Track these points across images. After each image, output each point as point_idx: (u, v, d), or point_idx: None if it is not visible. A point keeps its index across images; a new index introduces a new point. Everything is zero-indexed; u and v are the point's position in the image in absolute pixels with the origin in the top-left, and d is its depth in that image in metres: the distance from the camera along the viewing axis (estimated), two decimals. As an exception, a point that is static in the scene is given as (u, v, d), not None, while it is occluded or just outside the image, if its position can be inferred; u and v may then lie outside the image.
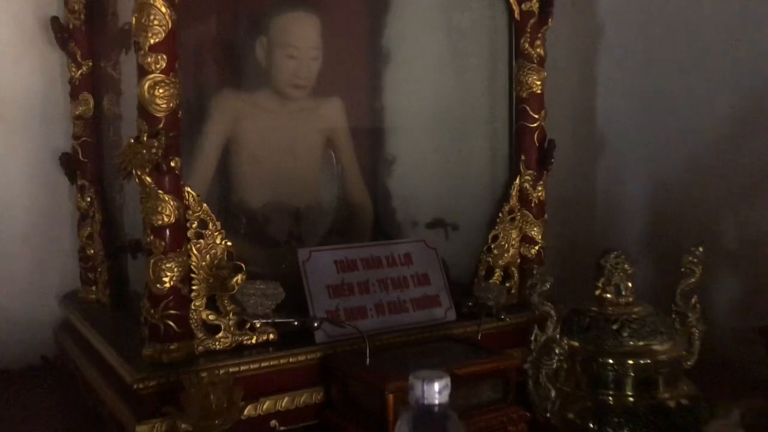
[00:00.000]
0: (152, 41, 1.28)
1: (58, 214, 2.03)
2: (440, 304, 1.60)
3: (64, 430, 1.59)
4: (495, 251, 1.74)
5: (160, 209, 1.30)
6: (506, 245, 1.75)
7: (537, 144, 1.74)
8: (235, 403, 1.15)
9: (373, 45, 2.06)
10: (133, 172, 1.27)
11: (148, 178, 1.28)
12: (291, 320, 1.32)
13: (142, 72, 1.29)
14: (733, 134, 1.87)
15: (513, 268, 1.76)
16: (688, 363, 1.28)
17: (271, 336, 1.43)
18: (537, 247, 1.77)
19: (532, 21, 1.72)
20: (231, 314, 1.39)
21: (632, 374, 1.21)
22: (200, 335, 1.38)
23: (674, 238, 1.97)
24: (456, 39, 1.96)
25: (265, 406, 1.35)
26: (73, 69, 1.87)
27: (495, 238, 1.74)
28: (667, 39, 2.01)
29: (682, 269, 1.27)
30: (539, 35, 1.72)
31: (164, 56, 1.29)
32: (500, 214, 1.75)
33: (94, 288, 1.89)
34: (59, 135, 1.99)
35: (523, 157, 1.75)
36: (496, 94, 1.84)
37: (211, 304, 1.39)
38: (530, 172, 1.75)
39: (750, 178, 1.83)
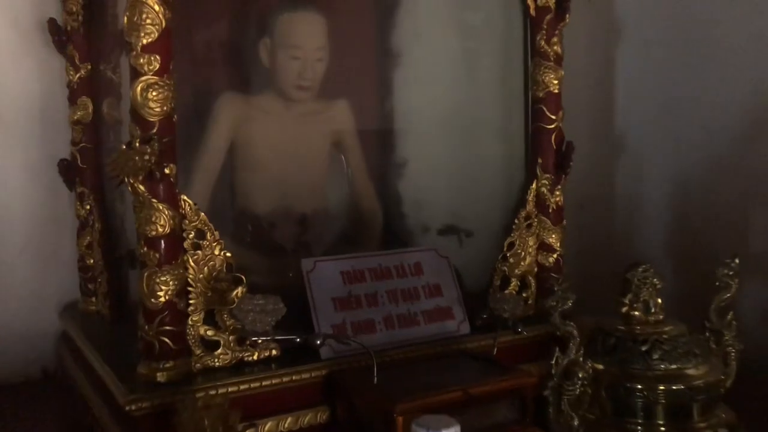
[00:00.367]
0: (145, 41, 1.22)
1: (59, 222, 1.97)
2: (453, 317, 1.52)
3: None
4: (511, 259, 1.66)
5: (154, 219, 1.23)
6: (523, 253, 1.68)
7: (554, 146, 1.68)
8: (232, 427, 1.07)
9: (381, 44, 2.00)
10: (126, 179, 1.20)
11: (141, 186, 1.21)
12: (293, 337, 1.25)
13: (135, 74, 1.23)
14: (755, 134, 1.80)
15: (530, 278, 1.69)
16: (725, 386, 1.19)
17: (274, 352, 1.36)
18: (555, 255, 1.70)
19: (548, 17, 1.65)
20: (231, 329, 1.31)
21: (664, 401, 1.11)
22: (198, 352, 1.31)
23: (699, 241, 1.91)
24: (468, 37, 1.91)
25: (267, 428, 1.28)
26: (72, 72, 1.82)
27: (511, 245, 1.67)
28: (686, 36, 1.97)
29: (717, 283, 1.18)
30: (556, 32, 1.66)
31: (158, 57, 1.22)
32: (516, 221, 1.68)
33: (94, 299, 1.84)
34: (60, 140, 1.93)
35: (539, 161, 1.69)
36: (511, 94, 1.78)
37: (210, 319, 1.33)
38: (547, 175, 1.69)
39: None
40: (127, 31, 1.22)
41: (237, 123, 1.73)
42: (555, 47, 1.65)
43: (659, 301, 1.15)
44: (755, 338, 1.70)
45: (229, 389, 1.26)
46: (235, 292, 1.30)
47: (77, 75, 1.81)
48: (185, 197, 1.30)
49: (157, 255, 1.24)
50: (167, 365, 1.25)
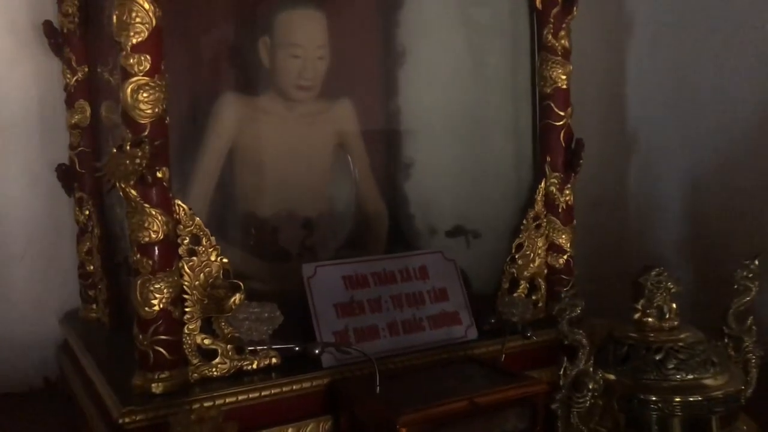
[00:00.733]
0: (134, 41, 1.18)
1: (59, 228, 1.94)
2: (460, 322, 1.48)
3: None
4: (519, 261, 1.61)
5: (146, 225, 1.19)
6: (532, 254, 1.63)
7: (563, 144, 1.63)
8: (227, 441, 1.03)
9: (386, 42, 1.96)
10: (117, 184, 1.16)
11: (133, 191, 1.18)
12: (291, 346, 1.20)
13: (125, 75, 1.19)
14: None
15: (539, 280, 1.64)
16: (745, 396, 1.12)
17: (274, 360, 1.32)
18: (566, 256, 1.65)
19: (555, 10, 1.61)
20: (229, 338, 1.27)
21: (680, 414, 1.05)
22: (195, 361, 1.27)
23: (716, 241, 1.85)
24: (474, 33, 1.87)
25: (267, 439, 1.24)
26: (68, 75, 1.79)
27: (519, 247, 1.62)
28: (699, 28, 1.91)
29: (735, 286, 1.11)
30: (563, 26, 1.61)
31: (148, 57, 1.18)
32: (525, 221, 1.63)
33: (94, 306, 1.80)
34: (59, 145, 1.90)
35: (548, 159, 1.64)
36: (518, 91, 1.73)
37: (207, 327, 1.28)
38: (556, 174, 1.64)
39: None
40: (117, 31, 1.18)
41: (237, 124, 1.69)
42: (563, 41, 1.60)
43: (674, 306, 1.08)
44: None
45: (227, 400, 1.22)
46: (232, 299, 1.26)
47: (74, 78, 1.78)
48: (179, 201, 1.26)
49: (151, 262, 1.20)
50: (162, 376, 1.21)
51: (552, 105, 1.61)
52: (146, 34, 1.18)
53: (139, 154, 1.15)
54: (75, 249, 1.87)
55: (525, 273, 1.62)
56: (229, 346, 1.28)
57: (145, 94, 1.18)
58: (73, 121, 1.79)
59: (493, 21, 1.82)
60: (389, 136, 1.97)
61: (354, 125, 1.83)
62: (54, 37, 1.79)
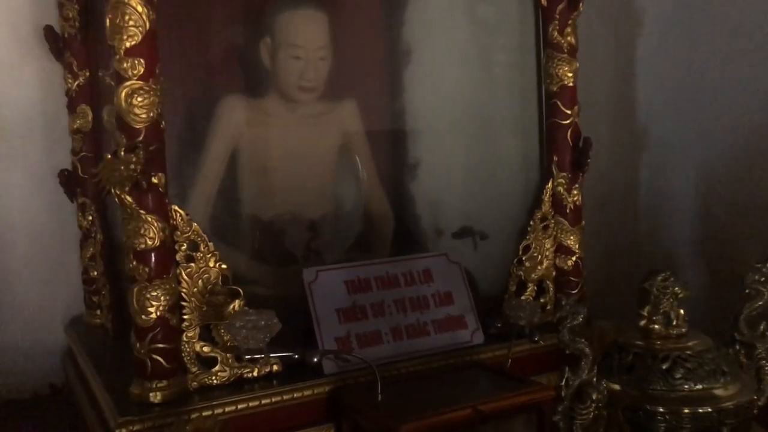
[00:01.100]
0: (128, 44, 1.16)
1: (64, 234, 1.92)
2: (466, 326, 1.45)
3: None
4: (527, 263, 1.58)
5: (142, 231, 1.17)
6: (539, 256, 1.60)
7: (570, 143, 1.60)
8: (224, 452, 1.00)
9: (390, 41, 1.93)
10: (112, 190, 1.14)
11: (128, 198, 1.15)
12: (289, 354, 1.17)
13: (119, 79, 1.17)
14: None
15: (548, 282, 1.61)
16: (758, 406, 1.08)
17: (275, 367, 1.30)
18: (574, 258, 1.61)
19: (560, 6, 1.57)
20: (228, 345, 1.25)
21: (689, 426, 1.00)
22: (194, 369, 1.25)
23: (729, 240, 1.80)
24: (479, 31, 1.84)
25: (267, 449, 1.21)
26: (70, 80, 1.78)
27: (527, 248, 1.59)
28: (710, 22, 1.86)
29: (747, 291, 1.07)
30: (569, 22, 1.58)
31: (142, 61, 1.16)
32: (532, 222, 1.60)
33: (98, 312, 1.79)
34: (62, 150, 1.89)
35: (555, 158, 1.61)
36: (524, 89, 1.70)
37: (207, 335, 1.26)
38: (564, 174, 1.61)
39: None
40: (110, 35, 1.17)
41: (240, 127, 1.67)
42: (569, 38, 1.57)
43: (681, 312, 1.03)
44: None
45: (227, 409, 1.20)
46: (232, 306, 1.24)
47: (76, 82, 1.77)
48: (176, 207, 1.24)
49: (147, 269, 1.18)
50: (161, 385, 1.19)
51: (558, 103, 1.58)
52: (140, 37, 1.16)
53: (134, 159, 1.13)
54: (78, 255, 1.86)
55: (532, 275, 1.59)
56: (228, 353, 1.26)
57: (139, 99, 1.16)
58: (75, 126, 1.78)
59: (498, 18, 1.78)
60: (395, 137, 1.93)
61: (358, 126, 1.80)
62: (55, 42, 1.78)
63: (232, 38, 1.76)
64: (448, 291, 1.46)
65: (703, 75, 1.88)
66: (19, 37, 1.88)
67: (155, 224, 1.18)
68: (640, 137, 2.07)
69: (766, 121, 1.74)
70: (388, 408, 1.16)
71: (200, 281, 1.25)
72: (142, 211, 1.17)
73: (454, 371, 1.34)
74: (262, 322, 1.11)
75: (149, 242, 1.17)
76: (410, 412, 1.12)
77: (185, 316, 1.24)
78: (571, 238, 1.60)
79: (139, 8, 1.16)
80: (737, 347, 1.09)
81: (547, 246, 1.60)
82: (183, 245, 1.24)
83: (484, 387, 1.26)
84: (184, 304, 1.24)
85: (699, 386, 1.00)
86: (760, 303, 1.09)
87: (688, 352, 1.03)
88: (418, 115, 1.92)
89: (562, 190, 1.60)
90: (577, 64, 1.59)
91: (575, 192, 1.60)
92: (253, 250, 1.68)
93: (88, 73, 1.76)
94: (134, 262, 1.18)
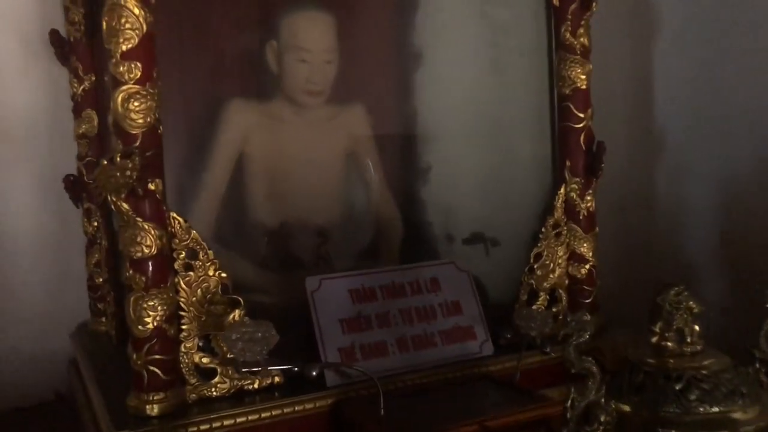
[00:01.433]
0: (124, 47, 1.13)
1: (69, 239, 1.90)
2: (475, 337, 1.41)
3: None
4: (538, 272, 1.54)
5: (139, 239, 1.14)
6: (551, 264, 1.55)
7: (584, 147, 1.55)
8: (218, 469, 0.97)
9: (399, 44, 1.89)
10: (108, 197, 1.12)
11: (125, 204, 1.13)
12: (289, 367, 1.14)
13: (115, 83, 1.14)
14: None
15: (560, 291, 1.57)
16: (778, 428, 1.02)
17: (277, 379, 1.26)
18: (588, 266, 1.57)
19: (573, 6, 1.53)
20: (228, 356, 1.21)
21: None
22: (193, 381, 1.22)
23: (752, 245, 1.74)
24: (491, 33, 1.80)
25: (267, 464, 1.18)
26: (75, 84, 1.76)
27: (538, 256, 1.55)
28: (728, 21, 1.81)
29: (767, 305, 1.01)
30: (582, 22, 1.53)
31: (138, 64, 1.13)
32: (543, 229, 1.56)
33: (103, 319, 1.77)
34: (68, 155, 1.87)
35: (568, 163, 1.57)
36: (536, 92, 1.66)
37: (206, 345, 1.23)
38: (577, 179, 1.56)
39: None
40: (106, 38, 1.14)
41: (246, 131, 1.65)
42: (581, 39, 1.53)
43: (696, 328, 0.97)
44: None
45: (226, 422, 1.17)
46: (232, 316, 1.21)
47: (81, 87, 1.75)
48: (174, 214, 1.21)
49: (144, 278, 1.15)
50: (158, 397, 1.16)
51: (571, 106, 1.54)
52: (136, 40, 1.13)
53: (130, 165, 1.10)
54: (84, 261, 1.84)
55: (544, 284, 1.54)
56: (228, 365, 1.22)
57: (136, 103, 1.13)
58: (80, 131, 1.75)
59: (509, 20, 1.74)
60: (404, 141, 1.90)
61: (366, 130, 1.77)
62: (61, 46, 1.76)
63: (237, 41, 1.73)
64: (456, 300, 1.42)
65: (721, 76, 1.83)
66: (25, 41, 1.87)
67: (152, 232, 1.15)
68: (657, 141, 2.03)
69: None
70: (391, 423, 1.12)
71: (199, 290, 1.22)
72: (138, 219, 1.14)
73: (461, 384, 1.30)
74: (259, 334, 1.07)
75: (146, 250, 1.14)
76: (414, 428, 1.08)
77: (183, 327, 1.20)
78: (585, 245, 1.56)
79: (136, 11, 1.13)
80: (757, 366, 1.02)
81: (560, 253, 1.56)
82: (181, 253, 1.21)
83: (491, 401, 1.22)
84: (182, 313, 1.21)
85: (715, 409, 0.93)
86: (782, 317, 1.03)
87: (704, 371, 0.96)
88: (428, 119, 1.88)
89: (575, 196, 1.56)
90: (591, 66, 1.54)
91: (588, 198, 1.56)
92: (260, 257, 1.65)
93: (93, 78, 1.74)
94: (131, 271, 1.15)
